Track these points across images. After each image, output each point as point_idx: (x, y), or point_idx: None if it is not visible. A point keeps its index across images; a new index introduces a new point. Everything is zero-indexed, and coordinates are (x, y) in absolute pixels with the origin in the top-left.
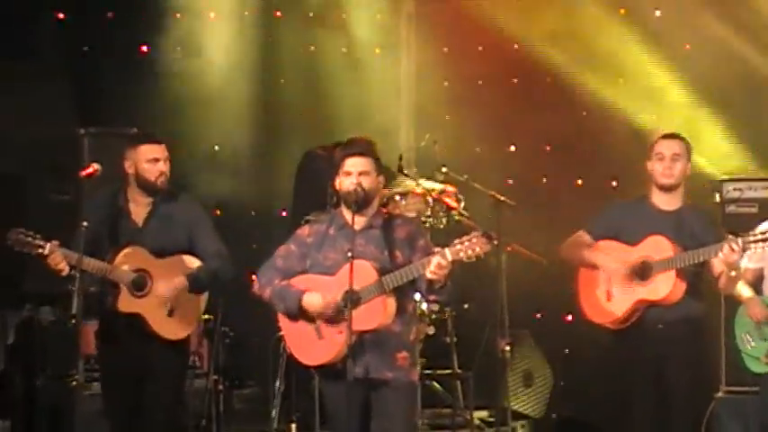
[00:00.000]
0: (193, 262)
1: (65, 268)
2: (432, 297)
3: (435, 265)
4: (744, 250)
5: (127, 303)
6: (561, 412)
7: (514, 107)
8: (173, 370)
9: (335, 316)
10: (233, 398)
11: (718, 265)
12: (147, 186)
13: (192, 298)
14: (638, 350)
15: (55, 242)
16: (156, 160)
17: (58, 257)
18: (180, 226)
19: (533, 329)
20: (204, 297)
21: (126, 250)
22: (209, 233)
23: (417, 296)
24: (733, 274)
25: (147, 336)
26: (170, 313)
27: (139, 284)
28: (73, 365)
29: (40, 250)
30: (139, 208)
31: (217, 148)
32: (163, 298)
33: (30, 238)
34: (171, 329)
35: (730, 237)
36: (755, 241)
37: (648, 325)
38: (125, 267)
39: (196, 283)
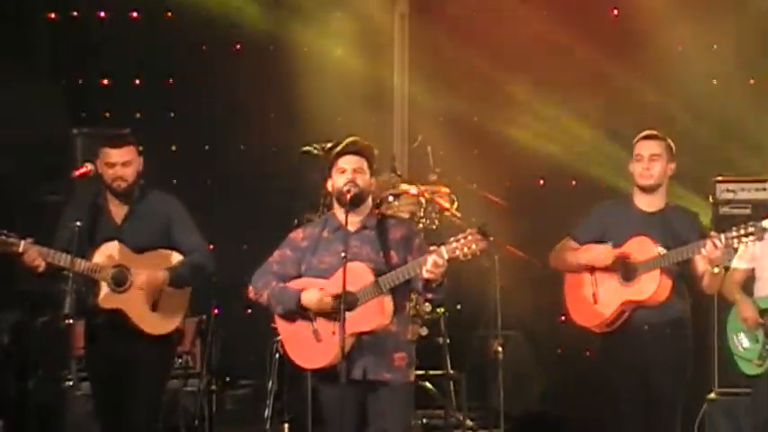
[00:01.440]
0: (174, 256)
1: (41, 264)
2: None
3: (432, 263)
4: (726, 246)
5: (107, 299)
6: (553, 413)
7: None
8: (157, 365)
9: (333, 314)
10: (225, 398)
11: (701, 263)
12: (108, 188)
13: (175, 292)
14: (626, 353)
15: (29, 239)
16: (113, 165)
17: (34, 254)
18: (158, 222)
19: (525, 330)
20: (188, 292)
21: (105, 246)
22: (188, 227)
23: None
24: (716, 270)
25: (131, 331)
26: (153, 308)
27: (120, 280)
28: (65, 366)
29: (14, 248)
30: (117, 207)
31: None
32: (144, 291)
33: (2, 236)
34: (154, 324)
35: (713, 233)
36: (738, 236)
37: (635, 327)
38: (105, 263)
39: (178, 276)
